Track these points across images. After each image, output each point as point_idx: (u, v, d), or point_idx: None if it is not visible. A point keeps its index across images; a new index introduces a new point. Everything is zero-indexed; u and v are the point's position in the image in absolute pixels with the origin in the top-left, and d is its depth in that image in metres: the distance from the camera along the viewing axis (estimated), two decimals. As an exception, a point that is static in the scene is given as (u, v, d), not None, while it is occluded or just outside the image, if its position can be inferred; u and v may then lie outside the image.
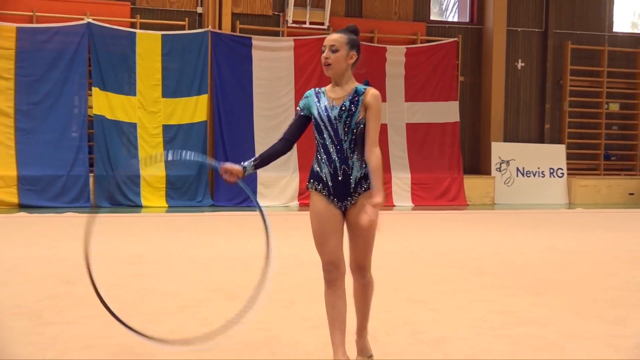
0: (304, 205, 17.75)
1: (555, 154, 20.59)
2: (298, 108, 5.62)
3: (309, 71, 18.23)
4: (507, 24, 20.40)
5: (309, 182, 5.60)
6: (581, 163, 21.27)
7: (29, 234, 12.71)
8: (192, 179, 17.33)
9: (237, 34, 18.07)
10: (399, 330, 6.81)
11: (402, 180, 18.69)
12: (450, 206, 18.66)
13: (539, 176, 20.26)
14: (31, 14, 16.89)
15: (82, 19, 16.77)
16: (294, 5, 18.44)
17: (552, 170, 20.40)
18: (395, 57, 18.90)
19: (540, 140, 21.14)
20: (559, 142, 21.01)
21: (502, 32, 20.29)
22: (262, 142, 17.81)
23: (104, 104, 16.84)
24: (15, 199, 16.29)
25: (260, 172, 17.71)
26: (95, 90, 16.79)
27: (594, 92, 21.47)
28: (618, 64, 21.67)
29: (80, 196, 16.61)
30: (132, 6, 17.86)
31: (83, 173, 16.75)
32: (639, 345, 6.49)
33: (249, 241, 12.36)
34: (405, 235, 13.61)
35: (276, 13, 18.81)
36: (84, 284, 8.60)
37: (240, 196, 17.62)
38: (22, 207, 16.14)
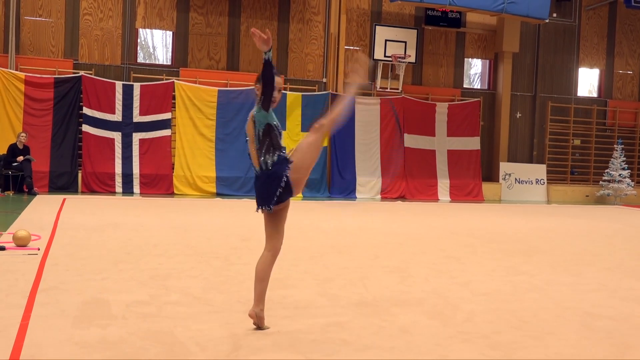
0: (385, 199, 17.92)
1: (539, 170, 20.44)
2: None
3: (388, 119, 18.45)
4: (511, 89, 20.31)
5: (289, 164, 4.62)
6: (556, 176, 21.04)
7: (222, 211, 13.25)
8: (318, 180, 17.65)
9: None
10: (440, 275, 7.07)
11: (444, 184, 18.81)
12: (473, 200, 18.69)
13: (529, 184, 20.12)
14: (226, 81, 17.54)
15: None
16: (381, 77, 18.72)
17: (537, 180, 20.24)
18: (442, 110, 18.99)
19: (530, 161, 20.97)
20: (542, 162, 20.83)
21: (507, 94, 20.21)
22: (360, 157, 18.11)
23: (267, 135, 17.36)
24: (214, 190, 16.91)
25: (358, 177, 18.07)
26: (262, 126, 17.35)
27: (565, 132, 21.23)
28: (580, 115, 21.38)
29: (252, 189, 17.09)
30: (285, 77, 18.28)
31: (253, 175, 17.25)
32: (595, 289, 6.66)
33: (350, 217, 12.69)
34: (445, 217, 13.83)
35: (370, 82, 19.09)
36: (255, 240, 9.01)
37: (346, 190, 17.88)
38: (218, 194, 16.74)
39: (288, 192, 4.61)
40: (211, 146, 16.95)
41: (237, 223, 10.96)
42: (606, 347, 4.57)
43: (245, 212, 12.86)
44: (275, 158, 4.58)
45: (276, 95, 4.56)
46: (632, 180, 20.50)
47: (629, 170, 20.27)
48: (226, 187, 16.78)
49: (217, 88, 17.04)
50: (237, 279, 6.34)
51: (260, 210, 4.73)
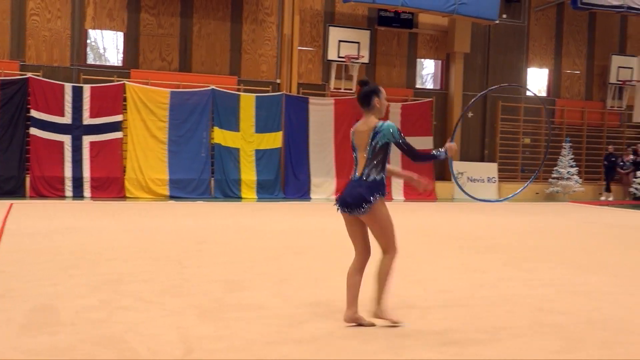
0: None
1: (491, 168, 20.73)
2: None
3: (343, 118, 18.48)
4: (462, 89, 20.57)
5: (384, 193, 4.88)
6: (506, 174, 21.36)
7: (175, 214, 13.07)
8: (272, 181, 17.59)
9: (300, 95, 18.40)
10: (394, 274, 7.10)
11: (398, 183, 18.92)
12: (427, 199, 18.89)
13: (481, 182, 20.38)
14: (178, 83, 17.35)
15: (209, 86, 17.22)
16: (334, 78, 18.77)
17: (489, 178, 20.52)
18: (395, 110, 19.09)
19: (482, 159, 21.27)
20: (493, 161, 21.14)
21: (459, 94, 20.45)
22: (315, 157, 18.13)
23: (220, 136, 17.16)
24: (166, 192, 16.67)
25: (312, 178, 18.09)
26: (215, 128, 17.18)
27: (514, 131, 21.60)
28: (529, 114, 21.80)
29: (205, 191, 16.96)
30: (238, 78, 18.20)
31: (207, 177, 17.07)
32: (546, 285, 6.77)
33: (308, 217, 12.70)
34: (399, 216, 13.88)
35: (324, 83, 19.11)
36: (209, 242, 8.98)
37: (300, 191, 17.89)
38: (171, 197, 16.53)
39: (359, 210, 4.79)
40: (164, 148, 16.73)
41: (191, 226, 10.84)
42: (556, 341, 4.65)
43: (199, 215, 12.73)
44: (378, 177, 4.82)
45: (385, 103, 4.93)
46: (580, 177, 20.97)
47: (577, 168, 20.74)
48: (179, 190, 16.59)
49: (169, 89, 16.84)
50: (191, 282, 6.26)
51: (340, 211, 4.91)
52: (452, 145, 4.97)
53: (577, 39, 22.52)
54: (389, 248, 4.92)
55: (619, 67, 22.04)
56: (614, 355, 4.41)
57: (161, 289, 5.93)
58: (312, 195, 17.93)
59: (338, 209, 4.92)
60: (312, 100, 18.20)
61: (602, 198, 21.04)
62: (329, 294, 5.93)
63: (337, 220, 12.63)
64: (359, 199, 4.74)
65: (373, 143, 4.80)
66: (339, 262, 7.71)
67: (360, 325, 4.84)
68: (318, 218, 13.00)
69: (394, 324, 4.86)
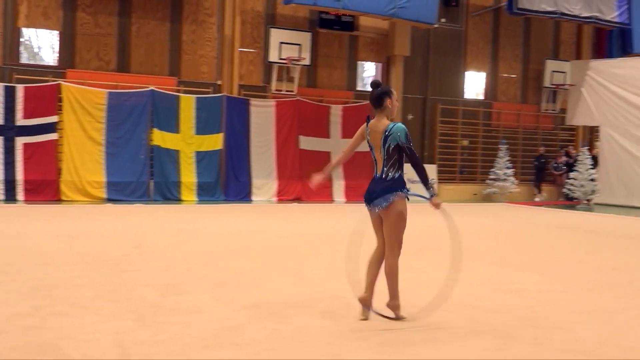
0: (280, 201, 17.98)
1: (430, 170, 21.05)
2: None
3: (283, 120, 18.47)
4: (402, 92, 20.81)
5: (405, 189, 5.16)
6: (445, 175, 21.73)
7: (112, 217, 12.83)
8: (212, 183, 17.43)
9: (241, 97, 18.29)
10: (335, 276, 7.10)
11: (339, 185, 19.01)
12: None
13: (420, 183, 20.67)
14: (116, 83, 17.03)
15: (148, 87, 16.95)
16: (276, 80, 18.75)
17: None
18: (336, 112, 19.16)
19: (422, 161, 21.57)
20: (432, 162, 21.46)
21: (399, 97, 20.70)
22: (256, 160, 18.07)
23: (160, 138, 16.87)
24: (104, 195, 16.30)
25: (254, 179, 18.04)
26: (154, 130, 16.90)
27: (453, 134, 21.98)
28: (467, 117, 22.22)
29: (144, 194, 16.67)
30: (178, 79, 17.99)
31: (146, 179, 16.79)
32: (481, 284, 6.92)
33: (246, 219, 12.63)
34: (340, 218, 14.00)
35: (265, 84, 19.05)
36: (147, 246, 8.87)
37: (241, 193, 17.80)
38: (108, 200, 16.16)
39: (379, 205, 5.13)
40: (101, 150, 16.36)
41: (129, 229, 10.66)
42: (492, 339, 4.77)
43: (137, 218, 12.52)
44: (397, 175, 5.13)
45: (396, 104, 5.26)
46: (516, 179, 21.50)
47: (513, 169, 21.27)
48: (117, 193, 16.26)
49: (107, 90, 16.48)
50: (128, 286, 6.16)
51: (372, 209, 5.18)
52: (439, 203, 5.31)
53: (512, 43, 23.10)
54: (393, 247, 5.15)
55: (553, 71, 22.70)
56: (545, 350, 4.55)
57: (96, 293, 5.82)
58: (254, 197, 17.87)
59: (365, 204, 5.24)
60: (253, 101, 18.11)
61: (537, 199, 21.63)
62: (268, 296, 5.93)
63: (277, 221, 12.64)
64: (380, 195, 5.09)
65: (386, 146, 5.12)
66: (279, 263, 7.72)
67: (366, 307, 5.15)
68: (259, 220, 12.96)
69: (400, 319, 5.16)
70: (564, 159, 22.36)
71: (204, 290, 6.11)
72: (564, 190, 21.53)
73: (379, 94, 5.22)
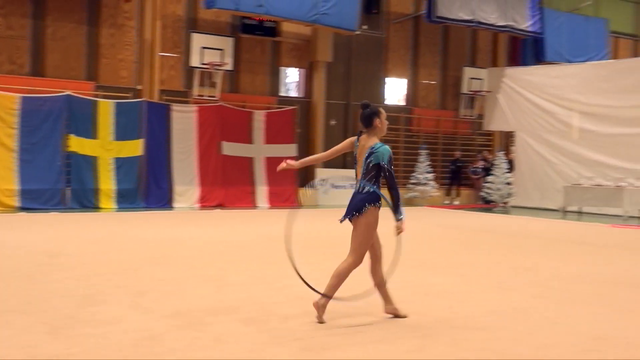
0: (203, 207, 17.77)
1: (353, 175, 21.22)
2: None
3: (206, 126, 18.27)
4: (325, 98, 20.97)
5: (378, 203, 5.33)
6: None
7: (26, 226, 12.40)
8: (132, 190, 17.06)
9: (162, 102, 17.99)
10: (257, 282, 7.12)
11: (262, 191, 18.96)
12: (291, 206, 19.01)
13: (344, 188, 20.73)
14: (30, 88, 16.45)
15: (64, 92, 16.44)
16: (198, 85, 18.53)
17: (351, 185, 20.89)
18: (258, 117, 19.11)
19: (344, 166, 21.69)
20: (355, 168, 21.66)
21: (322, 102, 20.83)
22: (177, 166, 17.81)
23: (77, 144, 16.38)
24: (17, 204, 15.68)
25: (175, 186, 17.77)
26: (71, 136, 16.40)
27: (376, 139, 22.28)
28: (389, 122, 22.49)
29: (60, 201, 16.14)
30: (95, 84, 17.54)
31: (62, 187, 16.26)
32: (401, 287, 7.02)
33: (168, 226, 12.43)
34: (263, 224, 13.95)
35: (186, 90, 18.80)
36: (64, 255, 8.59)
37: (162, 200, 17.50)
38: (22, 209, 15.57)
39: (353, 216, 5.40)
40: (14, 157, 15.75)
41: (44, 238, 10.29)
42: (411, 340, 4.87)
43: (53, 227, 12.12)
44: (372, 189, 5.32)
45: (385, 123, 5.52)
46: (436, 183, 21.99)
47: (433, 173, 21.75)
48: (31, 201, 15.67)
49: (20, 95, 15.88)
50: (42, 298, 5.95)
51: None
52: (402, 230, 5.47)
53: (432, 50, 23.65)
54: (355, 254, 5.37)
55: (471, 78, 23.38)
56: (462, 350, 4.67)
57: (7, 307, 5.59)
58: (175, 204, 17.59)
59: (343, 219, 5.48)
60: (175, 107, 17.84)
61: (447, 202, 22.14)
62: (189, 304, 5.85)
63: (200, 228, 12.48)
64: (355, 208, 5.36)
65: (367, 161, 5.36)
66: (201, 271, 7.63)
67: (397, 316, 5.48)
68: (180, 227, 12.77)
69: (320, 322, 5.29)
70: (481, 163, 23.02)
71: (123, 300, 5.98)
72: (482, 193, 22.16)
73: (368, 115, 5.45)
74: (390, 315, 5.58)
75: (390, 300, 5.55)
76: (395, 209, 5.33)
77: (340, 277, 5.35)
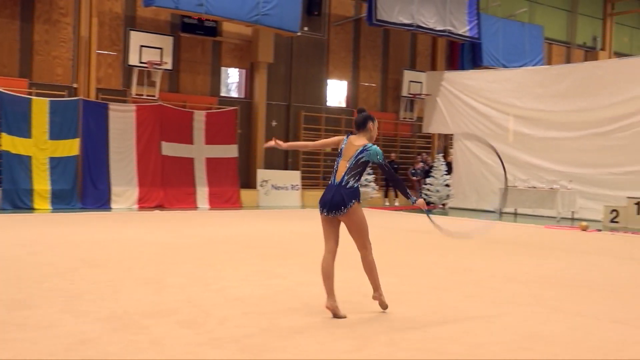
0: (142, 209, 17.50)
1: (294, 176, 21.25)
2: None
3: (145, 125, 18.00)
4: (266, 99, 20.92)
5: (359, 199, 5.70)
6: (309, 181, 22.03)
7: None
8: (68, 190, 16.65)
9: (99, 101, 17.62)
10: (195, 284, 7.07)
11: (203, 192, 18.79)
12: (232, 207, 18.94)
13: (285, 189, 20.82)
14: (-41, 84, 15.87)
15: (-4, 89, 15.93)
16: (136, 84, 18.24)
17: (292, 186, 21.04)
18: (199, 118, 18.94)
19: (286, 168, 21.74)
20: (296, 169, 21.69)
21: (263, 103, 20.78)
22: (115, 166, 17.49)
23: (9, 143, 15.93)
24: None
25: (113, 187, 17.43)
26: (3, 134, 15.93)
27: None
28: (330, 124, 22.68)
29: (-7, 202, 15.67)
30: (29, 81, 17.03)
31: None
32: (341, 287, 7.08)
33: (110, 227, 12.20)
34: (203, 225, 13.87)
35: (125, 89, 18.46)
36: None
37: (100, 201, 17.15)
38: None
39: (339, 212, 5.66)
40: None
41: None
42: (349, 341, 4.89)
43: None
44: (355, 185, 5.65)
45: (376, 129, 5.92)
46: (377, 184, 22.18)
47: (374, 175, 21.91)
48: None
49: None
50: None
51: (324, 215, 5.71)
52: (422, 201, 5.84)
53: (373, 53, 23.87)
54: (365, 244, 5.76)
55: (410, 81, 23.72)
56: (399, 351, 4.72)
57: None
58: (113, 205, 17.25)
59: (321, 211, 5.75)
60: (112, 106, 17.52)
61: (387, 204, 22.36)
62: (125, 306, 5.74)
63: (138, 229, 12.26)
64: (339, 203, 5.58)
65: (358, 157, 5.65)
66: (138, 273, 7.50)
67: (336, 316, 5.53)
68: (118, 228, 12.53)
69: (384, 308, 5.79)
70: (420, 165, 23.35)
71: (56, 303, 5.81)
72: (421, 195, 22.48)
73: (364, 118, 5.86)
74: (330, 315, 5.58)
75: (333, 297, 5.60)
76: (407, 197, 5.86)
77: (373, 270, 5.80)
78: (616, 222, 16.47)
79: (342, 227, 5.82)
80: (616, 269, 9.29)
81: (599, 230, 15.10)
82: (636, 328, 5.63)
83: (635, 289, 7.61)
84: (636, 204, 16.28)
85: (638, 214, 16.18)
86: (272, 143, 6.15)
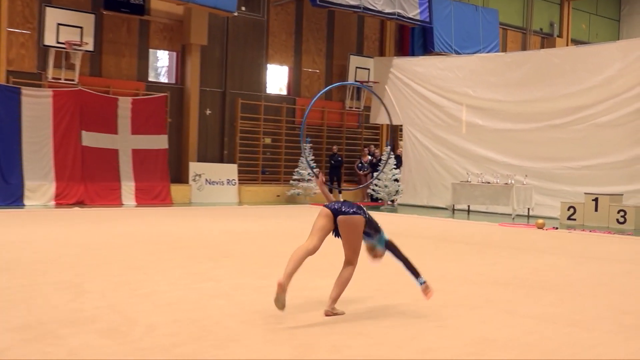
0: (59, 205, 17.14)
1: (230, 170, 21.18)
2: None
3: (63, 113, 17.64)
4: (199, 85, 20.75)
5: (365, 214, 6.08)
6: (247, 176, 21.98)
7: None
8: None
9: (10, 85, 17.16)
10: (119, 288, 6.98)
11: (128, 187, 18.55)
12: (161, 204, 18.72)
13: (220, 184, 20.72)
14: None
15: None
16: (53, 67, 17.82)
17: (228, 181, 20.94)
18: (124, 105, 18.68)
19: (221, 161, 21.63)
20: (233, 162, 21.61)
21: (196, 90, 20.61)
22: (29, 158, 17.09)
23: None
24: None
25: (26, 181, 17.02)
26: None
27: (255, 131, 22.31)
28: (270, 113, 22.66)
29: None
30: None
31: None
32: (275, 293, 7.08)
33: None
34: (129, 223, 13.67)
35: (40, 71, 18.03)
36: None
37: (12, 197, 16.74)
38: None
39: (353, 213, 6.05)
40: None
41: None
42: (288, 349, 4.88)
43: None
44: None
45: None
46: (321, 179, 22.21)
47: (318, 169, 21.99)
48: None
49: None
50: None
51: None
52: (429, 292, 6.10)
53: (316, 37, 23.91)
54: (353, 261, 6.03)
55: (357, 67, 23.87)
56: (344, 357, 4.74)
57: None
58: (27, 202, 16.85)
59: (325, 205, 6.09)
60: (26, 91, 17.13)
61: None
62: (40, 314, 5.60)
63: (55, 229, 11.99)
64: (349, 206, 5.97)
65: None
66: (55, 277, 7.34)
67: (282, 292, 5.47)
68: (32, 227, 12.23)
69: (340, 314, 5.98)
70: (368, 158, 23.53)
71: (-41, 311, 5.63)
72: (369, 190, 22.65)
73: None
74: (271, 318, 5.54)
75: (289, 279, 5.61)
76: (415, 276, 6.13)
77: (343, 285, 6.00)
78: (573, 219, 16.96)
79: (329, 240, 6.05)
80: (573, 268, 9.55)
81: (556, 228, 15.50)
82: (593, 331, 5.80)
83: (593, 290, 7.84)
84: (594, 200, 16.77)
85: (596, 210, 16.67)
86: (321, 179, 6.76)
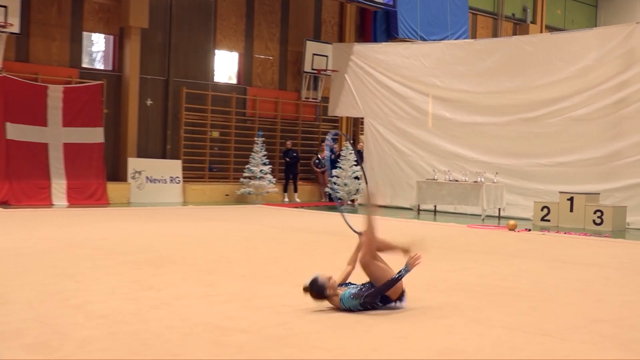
0: None
1: (174, 167, 21.01)
2: None
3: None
4: (139, 72, 20.54)
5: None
6: (192, 173, 21.84)
7: None
8: None
9: None
10: (48, 298, 6.88)
11: (59, 185, 18.31)
12: (96, 204, 18.50)
13: (162, 182, 20.55)
14: None
15: None
16: (-27, 51, 17.51)
17: (172, 178, 20.78)
18: (55, 94, 18.43)
19: (164, 156, 21.45)
20: (177, 158, 21.44)
21: (135, 77, 20.39)
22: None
23: None
24: None
25: None
26: None
27: (201, 123, 22.17)
28: (218, 103, 22.54)
29: None
30: None
31: None
32: (229, 300, 7.04)
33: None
34: (59, 226, 13.49)
35: (-42, 56, 17.72)
36: None
37: None
38: None
39: None
40: None
41: None
42: (236, 364, 4.87)
43: None
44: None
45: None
46: (274, 177, 22.22)
47: (271, 166, 21.95)
48: None
49: None
50: None
51: None
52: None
53: (269, 20, 23.87)
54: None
55: (314, 54, 23.86)
56: (296, 374, 4.74)
57: None
58: None
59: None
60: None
61: (286, 200, 22.44)
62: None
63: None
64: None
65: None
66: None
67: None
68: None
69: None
70: (326, 153, 23.53)
71: None
72: (327, 189, 22.66)
73: (319, 292, 6.57)
74: (217, 331, 5.52)
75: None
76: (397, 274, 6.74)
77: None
78: (547, 220, 17.22)
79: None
80: (547, 274, 9.68)
81: (529, 229, 15.72)
82: (568, 341, 5.89)
83: (567, 297, 7.96)
84: (569, 199, 17.05)
85: (571, 211, 16.95)
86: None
